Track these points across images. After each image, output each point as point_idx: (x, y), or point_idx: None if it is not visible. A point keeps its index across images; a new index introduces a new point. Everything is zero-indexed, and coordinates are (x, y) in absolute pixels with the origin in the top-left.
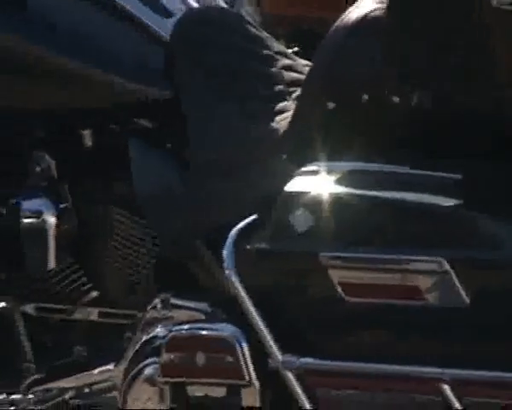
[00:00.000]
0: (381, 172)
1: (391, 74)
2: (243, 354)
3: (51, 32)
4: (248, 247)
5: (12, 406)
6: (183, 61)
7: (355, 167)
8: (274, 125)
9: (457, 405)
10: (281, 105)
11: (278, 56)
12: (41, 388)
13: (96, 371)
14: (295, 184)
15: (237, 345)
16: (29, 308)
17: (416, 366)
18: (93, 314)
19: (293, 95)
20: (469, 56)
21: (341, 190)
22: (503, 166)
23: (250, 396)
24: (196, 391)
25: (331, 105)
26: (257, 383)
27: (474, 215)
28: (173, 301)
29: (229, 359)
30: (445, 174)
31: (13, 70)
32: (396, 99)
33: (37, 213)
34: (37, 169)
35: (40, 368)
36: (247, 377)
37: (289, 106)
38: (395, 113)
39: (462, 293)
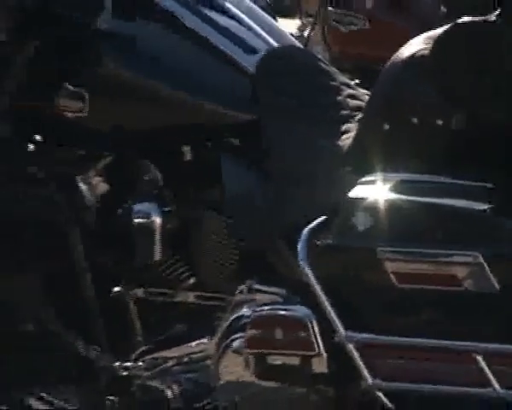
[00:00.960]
0: (427, 182)
1: (435, 102)
2: (313, 330)
3: (161, 68)
4: (318, 243)
5: (125, 371)
6: (266, 90)
7: (406, 178)
8: (340, 143)
9: (488, 372)
10: (345, 126)
11: (343, 87)
12: (148, 357)
13: (193, 343)
14: (357, 192)
15: (309, 323)
16: (139, 292)
17: (454, 341)
18: (190, 297)
19: (356, 118)
20: (503, 85)
21: (394, 196)
22: None
23: (319, 365)
24: (275, 360)
25: (386, 126)
26: (324, 354)
27: (503, 218)
28: (256, 286)
29: (302, 334)
30: (479, 184)
31: (131, 98)
32: (439, 122)
33: (147, 215)
34: (147, 179)
35: (148, 341)
36: (316, 349)
37: (352, 127)
38: (438, 133)
39: (493, 281)
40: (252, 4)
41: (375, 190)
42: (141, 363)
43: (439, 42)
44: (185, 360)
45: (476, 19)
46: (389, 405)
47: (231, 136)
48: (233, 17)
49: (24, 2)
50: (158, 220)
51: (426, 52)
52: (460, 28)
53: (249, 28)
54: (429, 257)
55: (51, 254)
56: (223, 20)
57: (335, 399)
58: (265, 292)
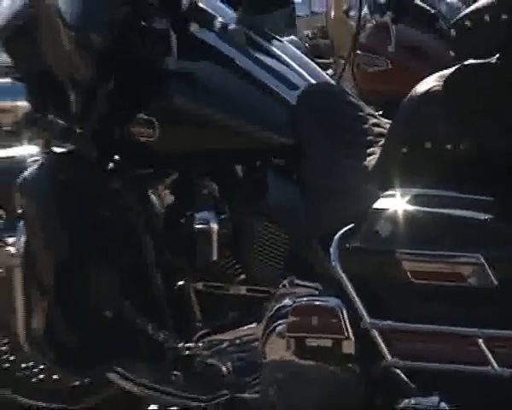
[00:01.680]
0: (437, 196)
1: (445, 130)
2: (343, 318)
3: (218, 100)
4: (348, 246)
5: (188, 351)
6: (306, 120)
7: (420, 192)
8: (366, 163)
9: (488, 353)
10: (370, 150)
11: (369, 117)
12: (207, 339)
13: (244, 328)
14: (380, 204)
15: (339, 311)
16: (199, 286)
17: (459, 327)
18: (242, 290)
19: (379, 143)
20: (503, 116)
21: (411, 207)
22: None
23: (347, 347)
24: (311, 343)
25: (404, 150)
26: (352, 338)
27: (500, 226)
28: (296, 281)
29: (334, 321)
30: (481, 197)
31: (193, 126)
32: (448, 146)
33: (206, 222)
34: (206, 192)
35: (206, 326)
36: (345, 334)
37: (376, 150)
38: (447, 156)
39: (492, 278)
40: (293, 48)
41: (395, 203)
42: (200, 344)
43: (449, 80)
44: (237, 341)
45: (479, 61)
46: (405, 379)
47: (276, 157)
48: (278, 58)
49: (107, 47)
50: (215, 227)
51: (438, 88)
52: (466, 69)
53: (291, 68)
54: (439, 258)
55: (129, 255)
56: (269, 61)
57: (361, 375)
58: (303, 286)
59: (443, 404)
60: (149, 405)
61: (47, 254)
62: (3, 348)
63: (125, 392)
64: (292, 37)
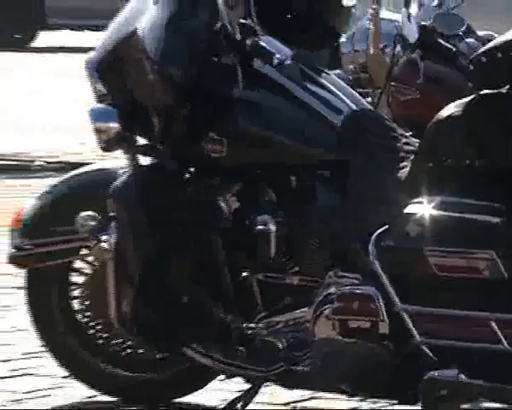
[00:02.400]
0: (458, 202)
1: (463, 148)
2: (379, 303)
3: (275, 122)
4: (383, 244)
5: (250, 330)
6: (350, 139)
7: (443, 199)
8: (398, 175)
9: (500, 334)
10: (402, 164)
11: (401, 137)
12: (266, 321)
13: (297, 311)
14: (410, 209)
15: (375, 298)
16: (260, 276)
17: (476, 311)
18: (295, 280)
19: (409, 159)
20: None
21: (435, 212)
22: None
23: (382, 327)
24: (352, 324)
25: (430, 164)
26: (386, 320)
27: (511, 227)
28: (340, 273)
29: (371, 306)
30: (493, 204)
31: (255, 143)
32: (466, 162)
33: (265, 224)
34: (265, 199)
35: (266, 310)
36: (381, 316)
37: (407, 165)
38: (465, 170)
39: (503, 271)
40: (339, 79)
41: (422, 209)
42: (260, 325)
43: (467, 107)
44: (291, 322)
45: (493, 91)
46: (430, 354)
47: (323, 169)
48: (326, 88)
49: (185, 79)
50: (273, 228)
51: (458, 114)
52: (482, 97)
53: (337, 96)
54: (459, 254)
55: (201, 251)
56: (319, 90)
57: (393, 350)
58: (346, 277)
59: (461, 375)
60: (218, 375)
61: (134, 249)
62: (99, 327)
63: (197, 364)
64: (338, 70)
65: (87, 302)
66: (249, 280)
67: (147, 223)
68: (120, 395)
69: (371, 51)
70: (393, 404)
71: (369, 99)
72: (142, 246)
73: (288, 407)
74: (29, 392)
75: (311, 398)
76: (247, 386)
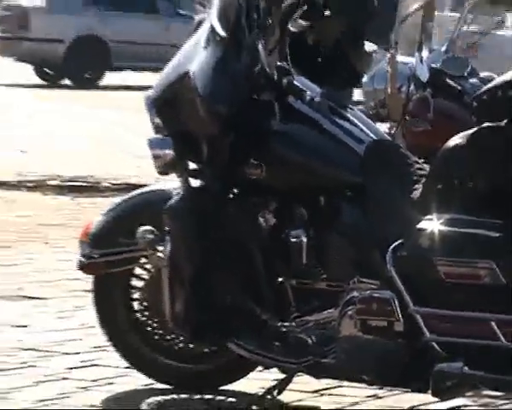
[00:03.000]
0: (463, 219)
1: (467, 172)
2: (395, 305)
3: (307, 150)
4: (399, 254)
5: (284, 328)
6: (371, 165)
7: (450, 217)
8: (412, 196)
9: (499, 333)
10: (415, 186)
11: (415, 163)
12: (298, 320)
13: (325, 312)
14: (422, 225)
15: (392, 301)
16: (293, 282)
17: (478, 312)
18: (323, 285)
19: (421, 182)
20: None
21: (444, 228)
22: None
23: (398, 326)
24: (372, 323)
25: (439, 186)
26: (401, 320)
27: (507, 241)
28: (361, 279)
29: (388, 307)
30: (494, 220)
31: (289, 168)
32: (470, 184)
33: (298, 237)
34: (298, 215)
35: (297, 311)
36: (396, 317)
37: (419, 187)
38: (470, 190)
39: (501, 277)
40: (361, 114)
41: (432, 224)
42: (293, 323)
43: (471, 137)
44: (319, 321)
45: (493, 124)
46: (438, 349)
47: (348, 191)
48: (350, 121)
49: (230, 113)
50: (305, 241)
51: (463, 144)
52: (484, 129)
53: (360, 128)
54: (463, 263)
55: (243, 259)
56: (344, 123)
57: (407, 346)
58: (367, 283)
59: (465, 368)
60: (257, 366)
61: (185, 259)
62: (155, 324)
63: (240, 357)
64: (360, 106)
65: (145, 303)
66: (284, 285)
67: (196, 236)
68: (173, 384)
69: (389, 90)
70: (407, 392)
71: (387, 130)
72: (192, 256)
73: (317, 394)
74: (95, 380)
75: (337, 386)
76: (281, 376)
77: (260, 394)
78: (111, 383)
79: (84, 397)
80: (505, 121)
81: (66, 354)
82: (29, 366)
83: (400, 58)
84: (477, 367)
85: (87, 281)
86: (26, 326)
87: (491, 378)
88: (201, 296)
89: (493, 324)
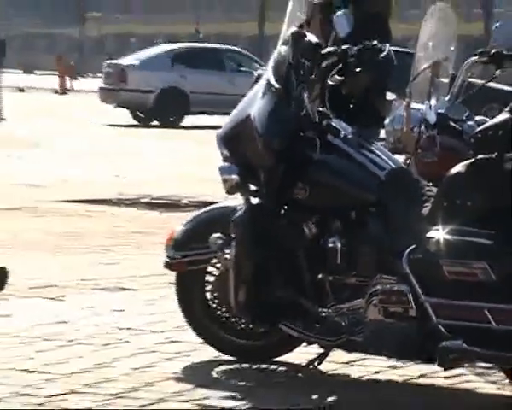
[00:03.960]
0: (463, 230)
1: (466, 194)
2: (409, 296)
3: (340, 176)
4: (412, 257)
5: (323, 313)
6: (390, 188)
7: (452, 228)
8: (423, 211)
9: (490, 318)
10: (425, 204)
11: (425, 187)
12: (333, 307)
13: (354, 301)
14: (430, 234)
15: (407, 292)
16: (330, 277)
17: (474, 302)
18: (353, 280)
19: (430, 201)
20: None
21: (447, 236)
22: None
23: (411, 312)
24: (392, 309)
25: (445, 204)
26: (414, 307)
27: (501, 250)
28: (383, 276)
29: (404, 298)
30: (486, 231)
31: (327, 190)
32: (468, 203)
33: (334, 243)
34: (334, 226)
35: (334, 299)
36: (410, 305)
37: (429, 205)
38: (468, 208)
39: (492, 275)
40: (383, 148)
41: (439, 234)
42: (330, 310)
43: (468, 166)
44: (351, 308)
45: (486, 156)
46: (443, 330)
47: (372, 207)
48: (374, 152)
49: (281, 147)
50: (339, 246)
51: (463, 171)
52: (479, 160)
53: (382, 158)
54: (463, 264)
55: (292, 260)
56: (370, 154)
57: (419, 328)
58: (387, 278)
59: (464, 345)
60: (302, 343)
61: (246, 259)
62: (223, 310)
63: (289, 335)
64: (382, 142)
65: (216, 294)
66: (323, 280)
67: (255, 242)
68: (236, 356)
69: (405, 129)
70: (418, 363)
71: (403, 161)
72: (251, 257)
73: (348, 365)
74: (177, 353)
75: (364, 359)
76: (321, 350)
77: (304, 364)
78: (188, 356)
79: (169, 366)
80: (495, 154)
81: (154, 332)
82: (125, 342)
83: (414, 105)
84: (473, 345)
85: (171, 276)
86: (122, 311)
87: (484, 353)
88: (259, 289)
89: (486, 311)
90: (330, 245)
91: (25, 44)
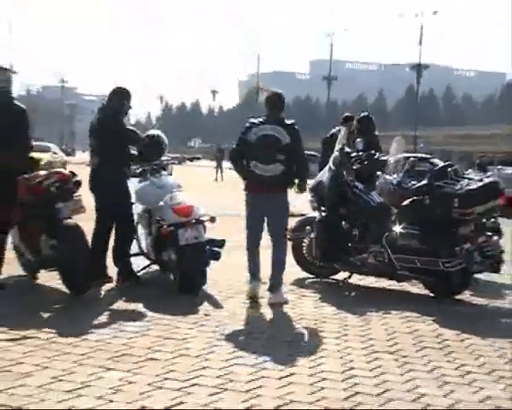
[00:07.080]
0: (408, 229)
1: (408, 212)
2: (385, 254)
3: (356, 204)
4: (387, 237)
5: (351, 259)
6: (377, 209)
7: (404, 227)
8: (392, 220)
9: (417, 262)
10: (392, 217)
11: (393, 209)
12: (358, 256)
13: (364, 254)
14: (395, 229)
15: (384, 252)
16: (354, 245)
17: (409, 255)
18: (362, 246)
19: (395, 213)
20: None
21: (399, 229)
22: None
23: (385, 261)
24: (377, 259)
25: (400, 217)
26: (387, 259)
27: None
28: (373, 245)
29: (382, 255)
30: (418, 226)
31: (357, 210)
32: (410, 215)
33: (355, 231)
34: (355, 224)
35: (357, 253)
36: (386, 258)
37: (394, 217)
38: (407, 218)
39: (422, 245)
40: (375, 192)
41: (397, 229)
42: (356, 258)
43: (409, 202)
44: (364, 256)
45: (417, 198)
46: (398, 267)
47: (370, 218)
48: (371, 194)
49: (330, 197)
50: (357, 232)
51: (406, 204)
52: (414, 200)
53: (374, 197)
54: (412, 239)
55: (342, 237)
56: (370, 195)
57: (392, 267)
58: (375, 247)
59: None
60: (340, 272)
61: (319, 239)
62: (310, 257)
63: (337, 268)
64: (375, 191)
65: (307, 251)
66: (352, 246)
67: (323, 233)
68: (315, 276)
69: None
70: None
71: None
72: (322, 239)
73: (366, 287)
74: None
75: (364, 278)
76: (347, 274)
77: (341, 280)
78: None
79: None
80: (426, 197)
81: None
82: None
83: (387, 177)
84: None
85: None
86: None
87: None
88: (325, 250)
89: (416, 260)
90: (354, 232)
91: None
